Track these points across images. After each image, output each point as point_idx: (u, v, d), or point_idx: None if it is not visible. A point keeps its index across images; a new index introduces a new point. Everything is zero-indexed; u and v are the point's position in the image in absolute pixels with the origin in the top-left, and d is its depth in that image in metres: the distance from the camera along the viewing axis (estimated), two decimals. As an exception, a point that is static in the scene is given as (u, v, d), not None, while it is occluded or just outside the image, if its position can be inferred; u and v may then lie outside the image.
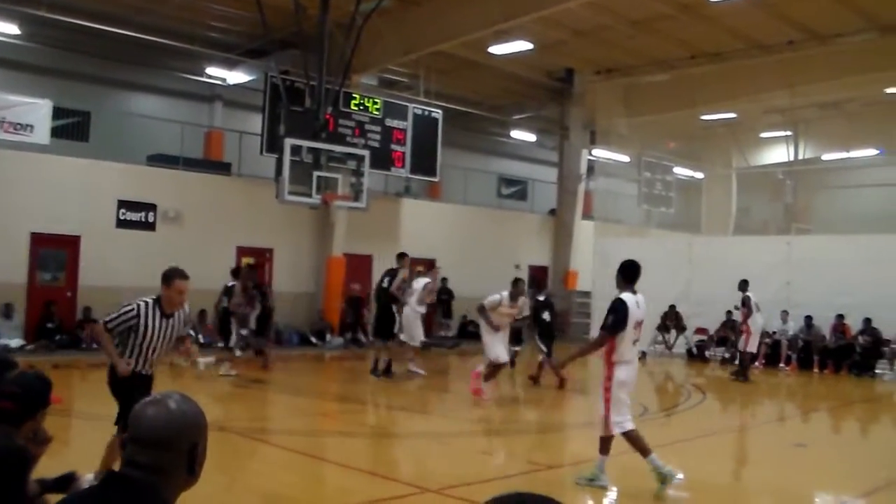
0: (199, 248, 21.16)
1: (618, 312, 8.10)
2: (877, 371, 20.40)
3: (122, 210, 20.58)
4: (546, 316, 16.64)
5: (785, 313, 21.46)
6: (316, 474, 9.16)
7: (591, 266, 26.52)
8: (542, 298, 17.26)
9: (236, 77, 24.64)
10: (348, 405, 14.34)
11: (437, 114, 25.41)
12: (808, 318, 21.01)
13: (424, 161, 24.98)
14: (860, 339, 20.66)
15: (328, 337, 22.94)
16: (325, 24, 18.71)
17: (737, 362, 19.40)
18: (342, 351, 22.43)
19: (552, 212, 30.29)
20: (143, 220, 20.86)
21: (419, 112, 24.90)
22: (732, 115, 29.87)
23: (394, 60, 23.44)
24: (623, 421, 8.09)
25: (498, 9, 19.43)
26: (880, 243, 21.34)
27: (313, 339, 22.72)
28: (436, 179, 26.60)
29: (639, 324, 8.21)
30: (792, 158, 30.57)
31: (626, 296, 8.25)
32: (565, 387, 15.85)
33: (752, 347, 18.58)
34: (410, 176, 25.60)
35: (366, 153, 19.99)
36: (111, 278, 19.18)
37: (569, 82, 27.71)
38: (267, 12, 18.53)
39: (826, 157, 31.78)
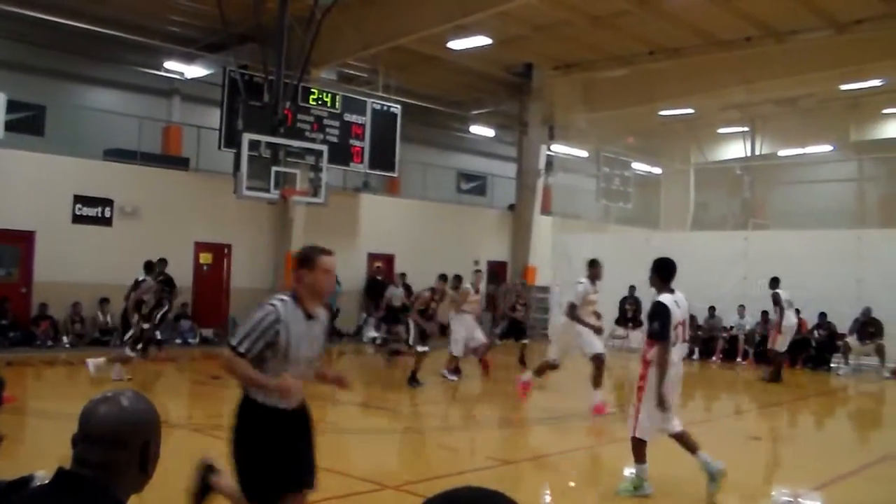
0: (157, 244, 20.89)
1: (661, 317, 7.72)
2: (832, 365, 20.65)
3: (79, 205, 20.30)
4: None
5: (742, 308, 21.67)
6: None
7: (549, 261, 26.62)
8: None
9: (195, 71, 24.41)
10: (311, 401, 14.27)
11: (396, 109, 25.32)
12: (765, 314, 21.20)
13: (383, 156, 24.87)
14: (816, 333, 20.91)
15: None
16: (285, 19, 18.61)
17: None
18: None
19: (511, 207, 30.29)
20: (99, 215, 20.62)
21: (378, 107, 24.79)
22: (690, 110, 30.07)
23: (353, 55, 23.26)
24: (662, 425, 7.80)
25: (457, 4, 19.38)
26: (834, 238, 21.64)
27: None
28: (394, 175, 26.43)
29: (680, 324, 7.88)
30: (749, 154, 30.88)
31: (665, 297, 7.89)
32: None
33: (782, 347, 18.22)
34: (369, 171, 25.46)
35: (324, 148, 19.89)
36: (67, 274, 18.98)
37: (528, 77, 27.75)
38: (225, 6, 18.40)
39: (782, 152, 32.10)
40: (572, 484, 8.39)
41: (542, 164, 28.84)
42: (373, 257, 26.15)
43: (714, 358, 21.61)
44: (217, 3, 18.27)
